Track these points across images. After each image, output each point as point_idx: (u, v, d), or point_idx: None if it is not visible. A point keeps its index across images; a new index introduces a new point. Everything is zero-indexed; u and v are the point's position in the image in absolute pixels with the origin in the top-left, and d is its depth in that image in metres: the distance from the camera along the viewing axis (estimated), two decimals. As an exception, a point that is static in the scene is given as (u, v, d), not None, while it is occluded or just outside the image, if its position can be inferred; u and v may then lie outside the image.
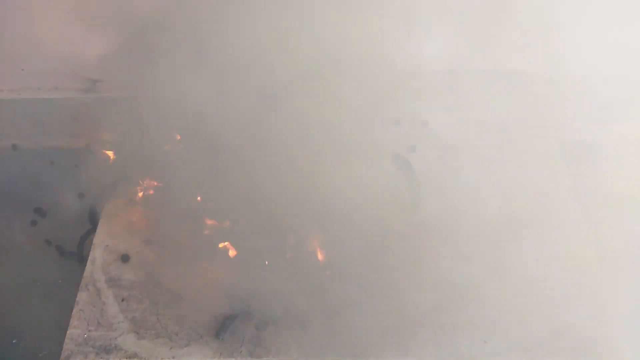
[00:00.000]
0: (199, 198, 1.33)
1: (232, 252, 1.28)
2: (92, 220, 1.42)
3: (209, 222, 1.31)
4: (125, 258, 1.28)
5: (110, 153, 1.53)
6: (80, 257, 1.47)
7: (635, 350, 1.15)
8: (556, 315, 1.18)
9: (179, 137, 1.37)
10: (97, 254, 1.29)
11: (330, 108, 1.21)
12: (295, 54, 1.21)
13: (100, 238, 1.32)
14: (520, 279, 1.24)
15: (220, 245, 1.29)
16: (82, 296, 1.22)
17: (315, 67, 1.22)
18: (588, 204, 1.40)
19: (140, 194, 1.41)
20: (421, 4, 1.31)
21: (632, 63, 1.53)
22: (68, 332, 1.16)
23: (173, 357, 1.12)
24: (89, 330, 1.16)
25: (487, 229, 1.28)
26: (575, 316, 1.18)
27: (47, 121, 1.86)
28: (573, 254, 1.29)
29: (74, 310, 1.19)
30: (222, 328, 1.15)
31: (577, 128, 1.60)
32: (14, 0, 1.56)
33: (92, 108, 1.80)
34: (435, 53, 1.44)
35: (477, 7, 1.39)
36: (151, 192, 1.41)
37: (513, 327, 1.16)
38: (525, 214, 1.36)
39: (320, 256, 1.24)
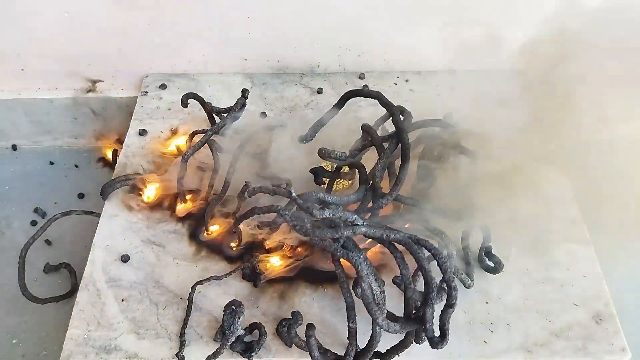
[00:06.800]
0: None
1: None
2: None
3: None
4: (125, 258, 1.28)
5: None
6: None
7: (635, 350, 1.15)
8: (556, 315, 1.18)
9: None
10: (97, 254, 1.29)
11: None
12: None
13: (100, 238, 1.32)
14: (521, 279, 1.24)
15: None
16: (82, 296, 1.22)
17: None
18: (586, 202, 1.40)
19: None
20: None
21: None
22: (68, 332, 1.16)
23: (173, 357, 1.12)
24: (89, 330, 1.16)
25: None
26: (575, 316, 1.18)
27: (47, 121, 1.86)
28: (572, 253, 1.29)
29: (74, 310, 1.19)
30: (221, 330, 1.15)
31: None
32: (14, 0, 1.56)
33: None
34: None
35: None
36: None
37: (513, 327, 1.17)
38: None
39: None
